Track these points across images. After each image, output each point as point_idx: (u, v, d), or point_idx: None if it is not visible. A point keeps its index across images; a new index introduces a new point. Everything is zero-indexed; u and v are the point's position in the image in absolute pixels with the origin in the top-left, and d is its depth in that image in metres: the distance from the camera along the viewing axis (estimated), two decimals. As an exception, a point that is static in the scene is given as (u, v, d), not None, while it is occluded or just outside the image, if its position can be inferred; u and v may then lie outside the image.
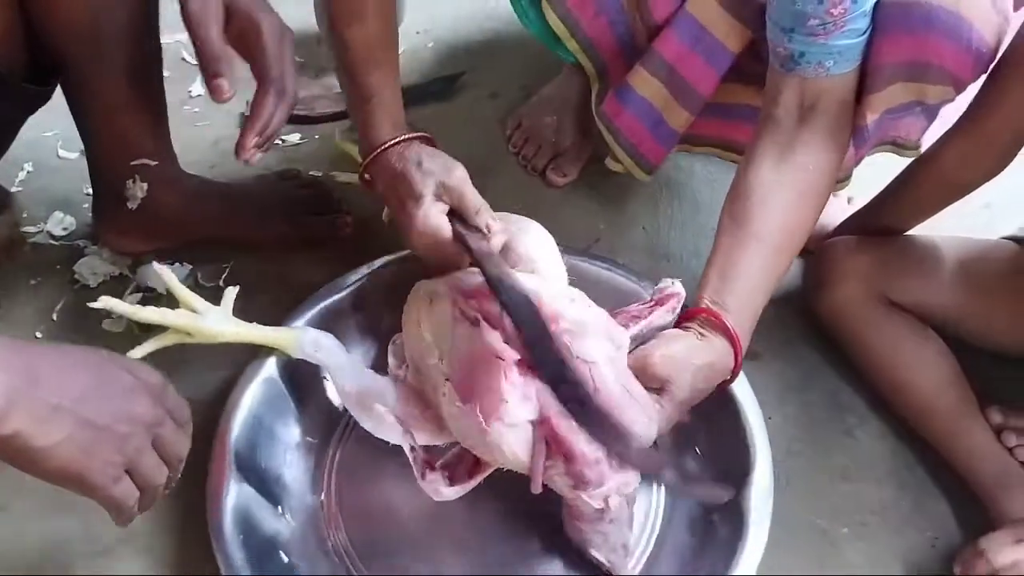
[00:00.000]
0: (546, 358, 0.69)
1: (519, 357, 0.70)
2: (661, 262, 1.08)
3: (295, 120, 1.23)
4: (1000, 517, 0.83)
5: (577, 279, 0.83)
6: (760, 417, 0.82)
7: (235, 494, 0.77)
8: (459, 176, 0.80)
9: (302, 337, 0.82)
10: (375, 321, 0.92)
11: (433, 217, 0.78)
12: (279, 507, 0.81)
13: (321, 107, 1.26)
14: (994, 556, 0.77)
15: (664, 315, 0.80)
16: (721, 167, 1.14)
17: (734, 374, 0.80)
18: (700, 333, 0.78)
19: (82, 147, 1.09)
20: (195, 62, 1.29)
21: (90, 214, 1.03)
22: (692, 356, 0.76)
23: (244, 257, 1.03)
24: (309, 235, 1.04)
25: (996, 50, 0.79)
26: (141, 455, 0.59)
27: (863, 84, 0.86)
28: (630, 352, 0.75)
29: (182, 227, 0.99)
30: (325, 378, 0.87)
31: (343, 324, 0.90)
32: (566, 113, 1.17)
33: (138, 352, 0.76)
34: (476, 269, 0.77)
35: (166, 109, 0.96)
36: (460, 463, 0.76)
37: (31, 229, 1.05)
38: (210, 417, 0.83)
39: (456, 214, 0.80)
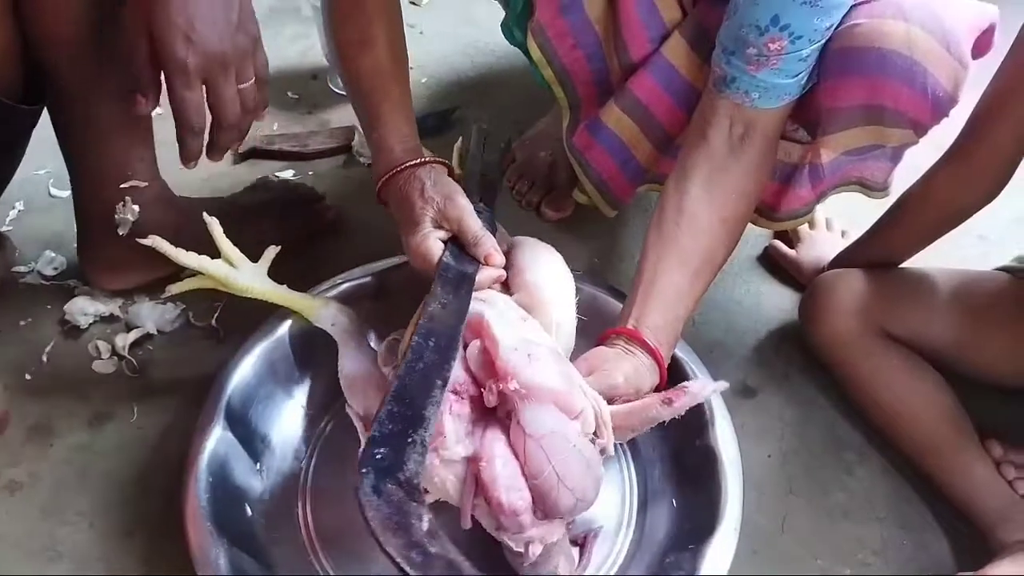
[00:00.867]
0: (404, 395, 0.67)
1: (476, 394, 0.70)
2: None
3: (288, 156, 1.24)
4: (1000, 548, 0.82)
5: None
6: (739, 473, 0.80)
7: (216, 439, 0.79)
8: (460, 205, 0.81)
9: (323, 309, 0.85)
10: (394, 308, 0.92)
11: (425, 244, 0.80)
12: (258, 463, 0.82)
13: (315, 143, 1.26)
14: None
15: (660, 407, 0.74)
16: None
17: (660, 388, 0.80)
18: (627, 349, 0.79)
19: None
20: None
21: (77, 257, 1.02)
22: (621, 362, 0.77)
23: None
24: (301, 225, 1.07)
25: (954, 95, 0.79)
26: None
27: (819, 125, 0.87)
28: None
29: (179, 246, 0.98)
30: (332, 357, 0.88)
31: (364, 305, 0.91)
32: (559, 148, 1.17)
33: (173, 289, 0.84)
34: (486, 293, 0.78)
35: (152, 128, 0.95)
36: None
37: (22, 269, 1.04)
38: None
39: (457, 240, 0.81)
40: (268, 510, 0.80)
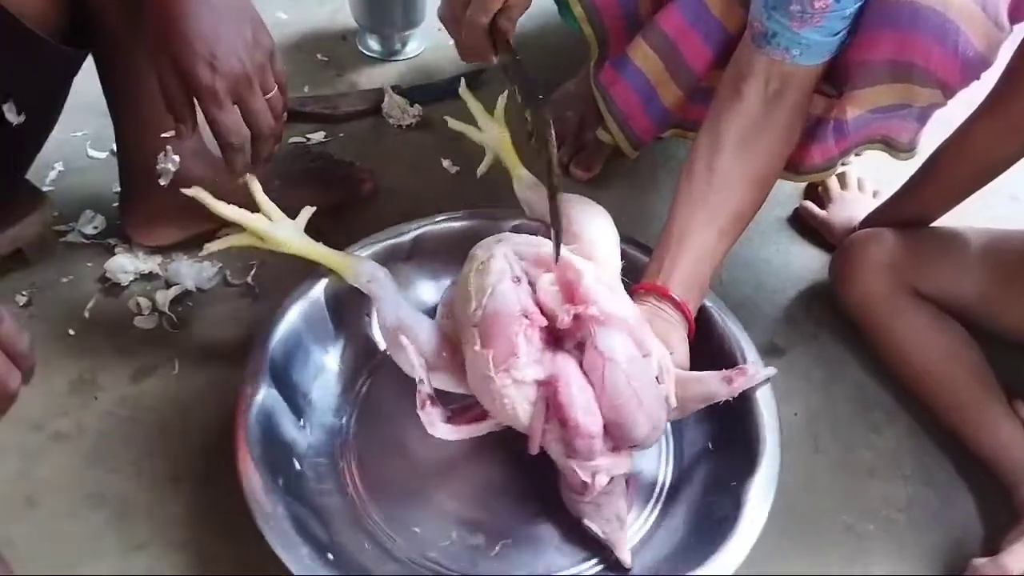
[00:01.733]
0: None
1: (546, 324, 0.72)
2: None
3: (319, 119, 1.25)
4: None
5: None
6: (775, 413, 0.81)
7: (263, 395, 0.80)
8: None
9: (360, 266, 0.86)
10: (426, 269, 0.97)
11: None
12: (301, 420, 0.84)
13: (344, 106, 1.26)
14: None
15: (719, 383, 0.77)
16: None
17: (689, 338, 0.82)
18: (656, 307, 0.80)
19: (111, 147, 1.11)
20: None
21: (119, 213, 1.04)
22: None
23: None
24: (337, 198, 1.08)
25: (987, 57, 0.78)
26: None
27: (846, 79, 0.86)
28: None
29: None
30: (367, 314, 0.91)
31: (397, 265, 0.93)
32: (588, 108, 1.17)
33: (212, 247, 0.85)
34: (539, 239, 0.80)
35: None
36: (466, 411, 0.78)
37: (62, 228, 1.06)
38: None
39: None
40: (315, 464, 0.83)
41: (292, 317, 0.87)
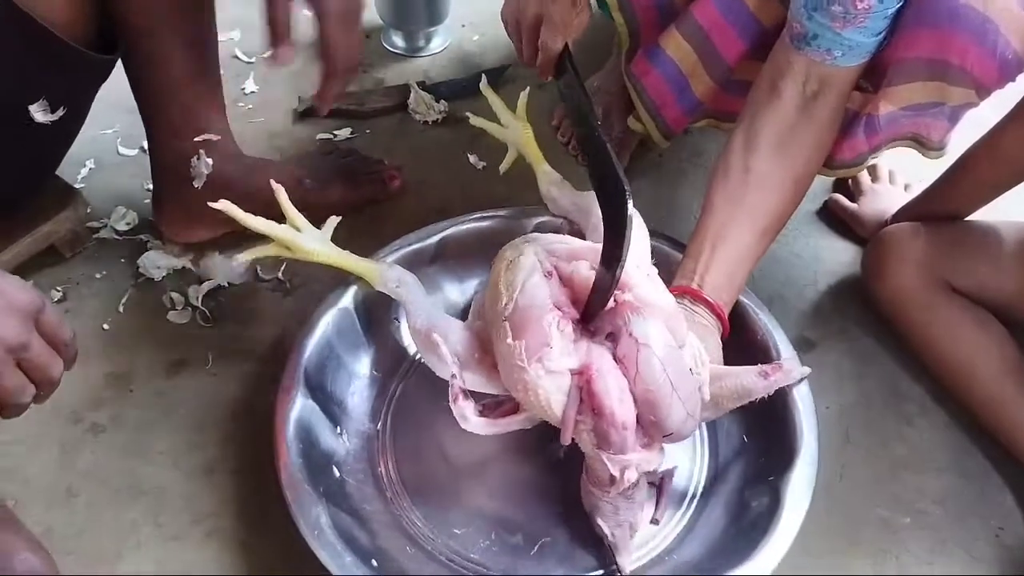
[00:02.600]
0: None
1: (578, 316, 0.72)
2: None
3: (345, 115, 1.25)
4: None
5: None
6: (811, 406, 0.81)
7: (300, 406, 0.81)
8: None
9: (387, 272, 0.87)
10: (452, 272, 0.98)
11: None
12: (338, 428, 0.85)
13: (371, 102, 1.27)
14: None
15: (755, 377, 0.77)
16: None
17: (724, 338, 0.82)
18: (691, 310, 0.80)
19: (141, 144, 1.12)
20: (247, 60, 1.33)
21: (151, 209, 1.06)
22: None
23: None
24: (366, 195, 1.10)
25: None
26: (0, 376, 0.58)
27: (882, 76, 0.86)
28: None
29: (248, 203, 1.01)
30: (396, 319, 0.92)
31: (423, 269, 0.94)
32: (612, 102, 1.17)
33: (242, 257, 0.86)
34: (567, 237, 0.80)
35: (221, 84, 0.98)
36: (499, 406, 0.78)
37: (95, 224, 1.08)
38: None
39: None
40: (354, 470, 0.83)
41: (323, 327, 0.87)
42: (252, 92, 1.28)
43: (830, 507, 0.85)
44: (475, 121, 0.98)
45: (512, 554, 0.78)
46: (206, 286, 1.00)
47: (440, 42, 1.40)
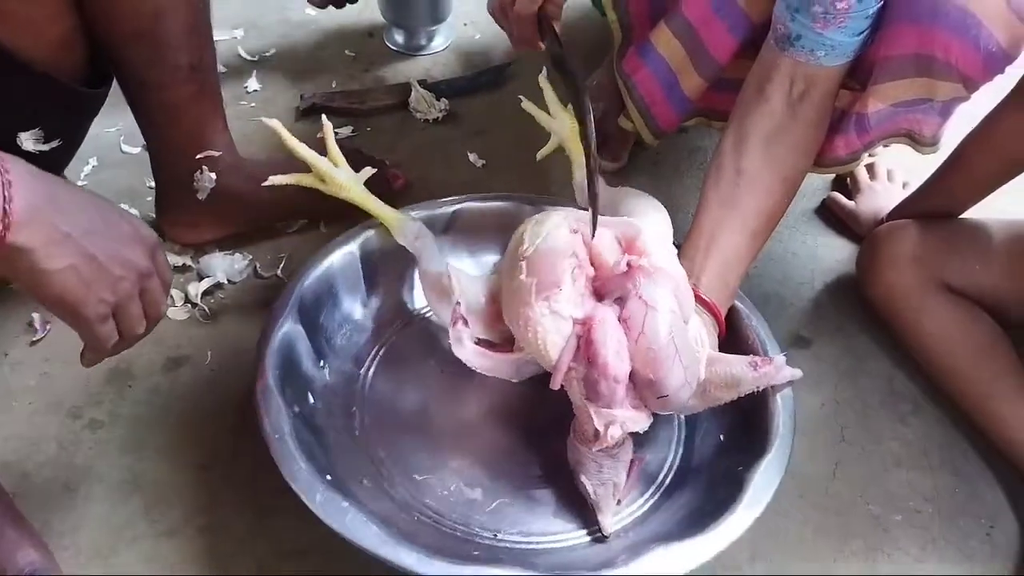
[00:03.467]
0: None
1: (593, 274, 0.73)
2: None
3: (346, 113, 1.26)
4: None
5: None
6: (790, 406, 0.79)
7: (288, 328, 0.83)
8: None
9: (409, 224, 0.88)
10: (463, 244, 0.98)
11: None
12: (321, 361, 0.87)
13: (372, 100, 1.28)
14: None
15: (745, 367, 0.76)
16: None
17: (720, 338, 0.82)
18: None
19: (143, 143, 1.13)
20: (250, 58, 1.34)
21: (154, 208, 1.07)
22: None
23: (301, 245, 1.06)
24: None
25: (1010, 51, 0.76)
26: (130, 301, 0.61)
27: (869, 74, 0.86)
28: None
29: (252, 210, 1.02)
30: (401, 277, 0.94)
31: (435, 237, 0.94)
32: (612, 100, 1.17)
33: (275, 180, 0.88)
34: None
35: (222, 99, 0.99)
36: (494, 346, 0.79)
37: (97, 222, 1.09)
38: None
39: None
40: (328, 402, 0.84)
41: (327, 264, 0.89)
42: (254, 91, 1.29)
43: (823, 504, 0.85)
44: (526, 106, 0.97)
45: (467, 507, 0.78)
46: (205, 283, 1.01)
47: (442, 40, 1.40)
